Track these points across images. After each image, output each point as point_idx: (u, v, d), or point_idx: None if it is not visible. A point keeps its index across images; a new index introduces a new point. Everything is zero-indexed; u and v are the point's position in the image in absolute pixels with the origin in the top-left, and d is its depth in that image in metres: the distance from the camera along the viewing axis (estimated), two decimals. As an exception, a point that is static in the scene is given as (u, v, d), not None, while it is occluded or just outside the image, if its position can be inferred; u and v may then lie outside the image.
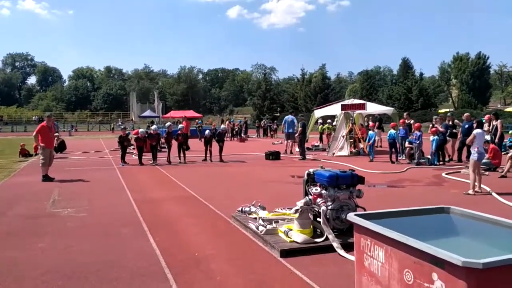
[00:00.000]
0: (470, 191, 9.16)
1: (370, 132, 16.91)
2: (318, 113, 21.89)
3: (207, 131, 17.07)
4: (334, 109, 20.55)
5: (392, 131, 15.69)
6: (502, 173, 11.63)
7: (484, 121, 14.14)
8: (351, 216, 3.60)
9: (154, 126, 17.01)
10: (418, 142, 14.64)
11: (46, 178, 11.66)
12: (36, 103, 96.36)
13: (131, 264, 4.94)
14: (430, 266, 2.75)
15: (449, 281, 2.61)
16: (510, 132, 20.39)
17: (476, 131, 9.33)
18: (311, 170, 6.31)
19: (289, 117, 19.87)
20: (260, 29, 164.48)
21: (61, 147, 21.15)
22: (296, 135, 17.52)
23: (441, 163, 14.69)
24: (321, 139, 25.04)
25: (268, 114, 60.60)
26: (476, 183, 9.21)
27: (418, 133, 14.85)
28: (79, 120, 72.29)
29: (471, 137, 9.36)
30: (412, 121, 18.21)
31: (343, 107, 18.89)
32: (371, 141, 16.70)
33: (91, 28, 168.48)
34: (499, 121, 15.25)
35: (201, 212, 7.72)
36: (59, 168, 14.03)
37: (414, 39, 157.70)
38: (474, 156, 9.19)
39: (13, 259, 5.18)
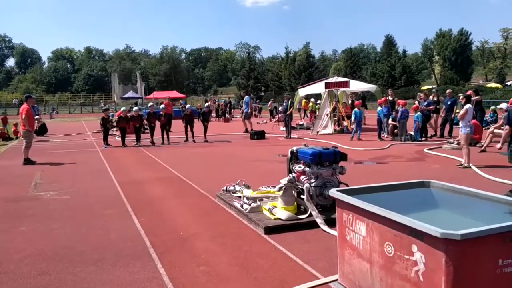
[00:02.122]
0: (466, 164, 9.41)
1: (356, 110, 16.52)
2: (302, 91, 21.87)
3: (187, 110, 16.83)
4: (318, 87, 20.53)
5: (379, 108, 15.79)
6: (482, 148, 11.83)
7: (463, 97, 14.32)
8: (333, 192, 3.63)
9: (135, 108, 16.75)
10: (403, 119, 14.72)
11: (28, 161, 11.47)
12: (16, 85, 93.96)
13: (115, 245, 4.92)
14: (409, 239, 2.80)
15: (428, 253, 2.67)
16: (491, 107, 20.68)
17: (468, 106, 9.54)
18: (294, 148, 6.32)
19: (247, 98, 20.43)
20: (244, 7, 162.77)
21: (42, 130, 20.80)
22: (287, 113, 17.45)
23: (423, 139, 14.86)
24: (305, 117, 25.11)
25: (253, 93, 60.27)
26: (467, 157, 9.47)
27: (402, 110, 14.93)
28: (60, 102, 70.71)
29: (462, 111, 9.52)
30: (396, 98, 18.33)
31: (327, 85, 18.88)
32: (358, 119, 16.40)
33: (70, 7, 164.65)
34: (477, 97, 15.49)
35: (186, 192, 7.71)
36: (41, 151, 13.83)
37: (397, 16, 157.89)
38: (467, 130, 9.44)
39: (-5, 243, 5.13)
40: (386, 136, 15.82)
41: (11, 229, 5.65)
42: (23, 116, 11.61)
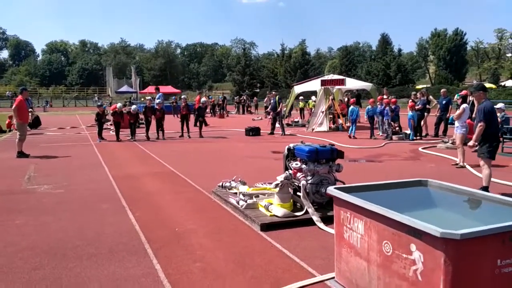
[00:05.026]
0: (461, 163, 9.45)
1: (352, 107, 16.59)
2: (298, 88, 21.86)
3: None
4: (314, 84, 20.53)
5: (369, 107, 15.98)
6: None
7: (458, 97, 14.32)
8: (331, 190, 3.61)
9: (134, 107, 16.51)
10: (384, 117, 15.14)
11: (21, 154, 11.37)
12: (9, 78, 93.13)
13: (110, 240, 4.89)
14: (408, 238, 2.78)
15: (427, 252, 2.66)
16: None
17: (464, 105, 9.60)
18: (291, 145, 6.31)
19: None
20: (240, 3, 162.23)
21: (36, 123, 20.66)
22: (277, 111, 17.40)
23: (417, 138, 14.92)
24: (301, 115, 25.04)
25: (248, 90, 60.11)
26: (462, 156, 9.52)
27: (381, 108, 15.21)
28: (54, 95, 70.17)
29: (459, 111, 9.57)
30: (391, 97, 18.33)
31: (323, 83, 18.89)
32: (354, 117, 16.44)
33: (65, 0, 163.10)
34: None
35: (181, 188, 7.68)
36: (34, 144, 13.72)
37: (393, 15, 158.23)
38: (463, 130, 9.49)
39: (-12, 236, 5.07)
40: (380, 134, 15.86)
41: (4, 223, 5.59)
42: (14, 106, 11.63)
